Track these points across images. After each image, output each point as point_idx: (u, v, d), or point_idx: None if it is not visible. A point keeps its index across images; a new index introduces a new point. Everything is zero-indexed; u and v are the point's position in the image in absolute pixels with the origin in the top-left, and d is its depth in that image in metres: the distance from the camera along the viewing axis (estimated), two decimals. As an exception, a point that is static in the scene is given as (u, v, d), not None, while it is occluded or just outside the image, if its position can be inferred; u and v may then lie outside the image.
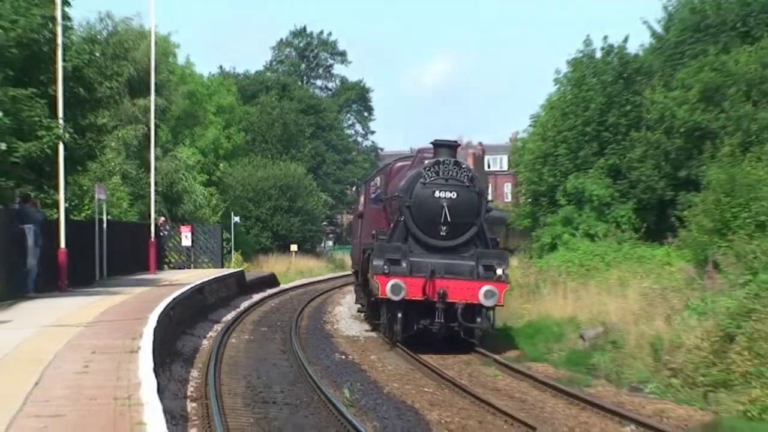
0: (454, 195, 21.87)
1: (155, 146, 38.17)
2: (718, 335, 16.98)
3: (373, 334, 25.38)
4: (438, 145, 22.89)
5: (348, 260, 46.78)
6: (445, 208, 21.73)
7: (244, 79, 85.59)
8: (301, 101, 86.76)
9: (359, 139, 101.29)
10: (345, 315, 31.16)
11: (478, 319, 21.54)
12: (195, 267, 41.62)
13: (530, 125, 41.08)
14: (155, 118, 37.81)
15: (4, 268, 20.68)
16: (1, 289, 20.19)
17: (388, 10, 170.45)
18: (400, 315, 21.54)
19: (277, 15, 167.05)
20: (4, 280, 20.56)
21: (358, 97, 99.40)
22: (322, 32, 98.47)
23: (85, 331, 15.92)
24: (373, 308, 24.67)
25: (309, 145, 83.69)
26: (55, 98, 22.46)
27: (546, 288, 28.53)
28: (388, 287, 20.99)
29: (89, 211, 31.54)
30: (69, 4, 24.30)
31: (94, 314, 18.56)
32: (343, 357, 21.06)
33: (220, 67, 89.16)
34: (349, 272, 43.03)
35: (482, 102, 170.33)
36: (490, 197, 49.55)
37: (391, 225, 22.94)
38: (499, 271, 21.49)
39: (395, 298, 21.09)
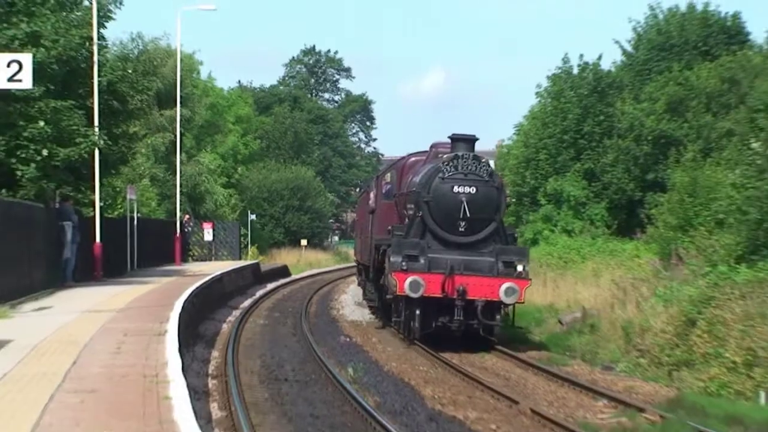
0: (473, 190, 19.01)
1: (181, 152, 38.29)
2: (681, 320, 17.01)
3: (375, 319, 25.28)
4: (456, 139, 20.01)
5: (352, 253, 46.77)
6: (464, 203, 18.91)
7: (259, 92, 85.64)
8: (311, 112, 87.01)
9: (362, 145, 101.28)
10: (349, 302, 31.11)
11: (498, 317, 19.16)
12: (216, 259, 41.55)
13: (514, 133, 41.14)
14: (181, 127, 38.01)
15: (45, 261, 20.67)
16: (43, 279, 20.17)
17: (387, 26, 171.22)
18: (418, 312, 19.02)
19: (289, 36, 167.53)
20: (46, 271, 20.56)
21: (361, 108, 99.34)
22: (329, 51, 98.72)
23: (117, 316, 15.93)
24: (387, 305, 21.71)
25: (317, 151, 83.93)
26: (91, 109, 22.55)
27: (529, 278, 28.44)
28: (407, 284, 18.48)
29: (122, 210, 31.59)
30: (104, 26, 24.55)
31: (125, 301, 18.57)
32: (348, 339, 20.92)
33: (239, 81, 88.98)
34: (353, 264, 43.04)
35: (472, 112, 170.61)
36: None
37: (406, 221, 20.38)
38: (519, 268, 18.87)
39: (414, 296, 18.56)
